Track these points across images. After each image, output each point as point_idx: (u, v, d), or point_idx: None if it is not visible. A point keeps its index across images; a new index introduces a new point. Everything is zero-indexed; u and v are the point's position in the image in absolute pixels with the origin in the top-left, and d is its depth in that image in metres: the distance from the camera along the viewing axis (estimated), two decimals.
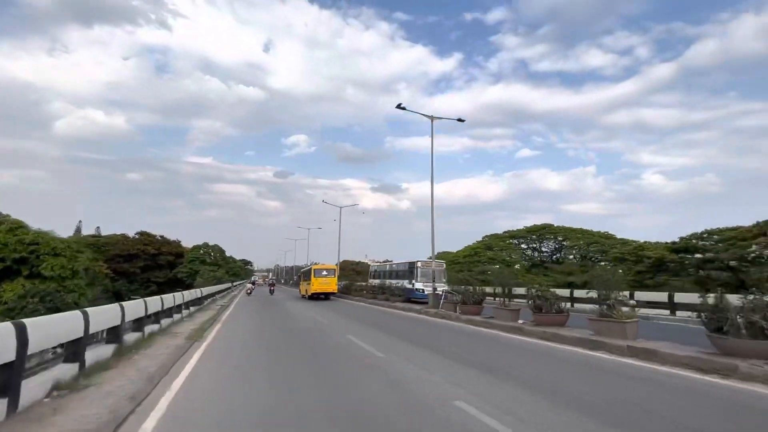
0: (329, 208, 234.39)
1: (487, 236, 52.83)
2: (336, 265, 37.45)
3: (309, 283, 32.56)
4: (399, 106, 20.90)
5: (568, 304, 14.96)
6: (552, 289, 13.79)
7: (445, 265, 27.39)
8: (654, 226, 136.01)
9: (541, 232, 47.56)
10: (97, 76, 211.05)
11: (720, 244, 32.16)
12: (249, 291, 38.49)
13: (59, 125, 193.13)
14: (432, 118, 20.73)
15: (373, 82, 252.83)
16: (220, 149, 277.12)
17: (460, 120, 22.06)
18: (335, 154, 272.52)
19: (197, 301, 19.59)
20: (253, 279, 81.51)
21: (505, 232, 51.48)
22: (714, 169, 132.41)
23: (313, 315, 18.52)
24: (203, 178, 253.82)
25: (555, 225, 47.53)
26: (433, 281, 20.00)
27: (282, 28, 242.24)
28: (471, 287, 16.38)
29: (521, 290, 17.79)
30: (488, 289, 21.32)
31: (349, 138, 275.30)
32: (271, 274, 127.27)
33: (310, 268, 33.71)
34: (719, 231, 34.23)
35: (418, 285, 25.59)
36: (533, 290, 12.82)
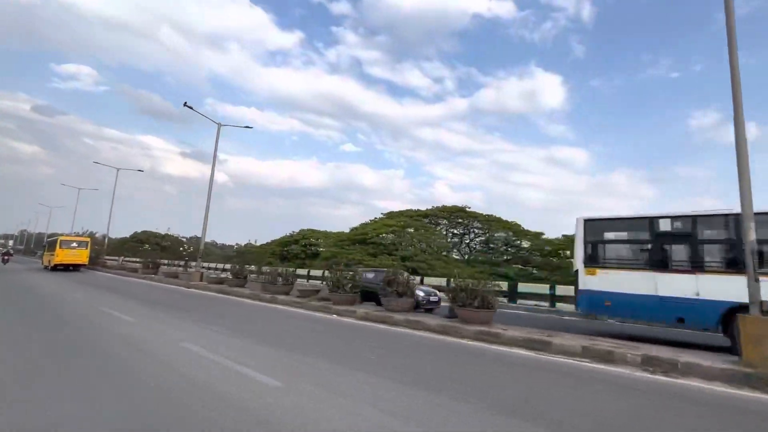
0: (118, 166, 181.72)
1: (386, 213, 40.78)
2: (89, 237, 40.21)
3: (53, 254, 31.65)
4: None
5: None
6: None
7: None
8: None
9: (457, 213, 37.78)
10: None
11: None
12: None
13: None
14: None
15: (199, 30, 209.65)
16: None
17: None
18: (136, 103, 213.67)
19: None
20: None
21: (411, 209, 39.98)
22: (480, 189, 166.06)
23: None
24: None
25: (469, 209, 38.48)
26: None
27: None
28: None
29: None
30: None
31: (157, 88, 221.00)
32: (12, 242, 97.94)
33: (57, 239, 33.36)
34: None
35: None
36: None
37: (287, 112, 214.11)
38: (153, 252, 48.75)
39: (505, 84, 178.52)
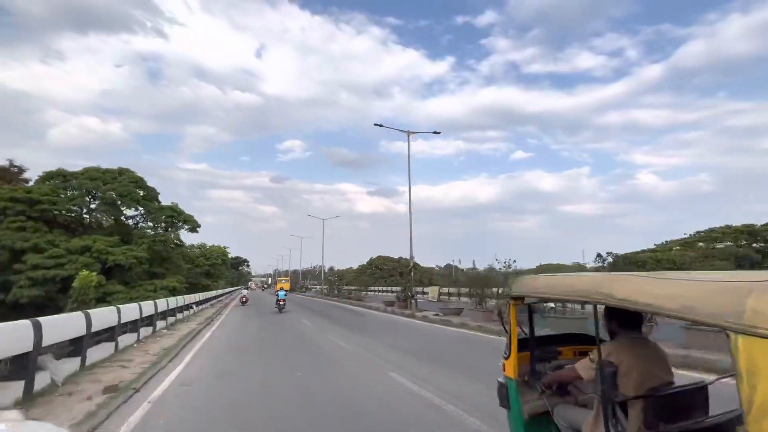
0: (327, 213, 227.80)
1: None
2: (288, 276, 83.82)
3: (276, 285, 58.35)
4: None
5: None
6: None
7: None
8: (649, 226, 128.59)
9: None
10: (90, 83, 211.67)
11: None
12: (244, 299, 34.20)
13: (54, 133, 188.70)
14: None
15: (366, 86, 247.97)
16: (215, 155, 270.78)
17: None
18: (330, 158, 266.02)
19: None
20: (248, 284, 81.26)
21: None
22: (706, 169, 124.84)
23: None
24: (198, 184, 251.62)
25: None
26: None
27: (274, 34, 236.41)
28: None
29: None
30: None
31: (343, 142, 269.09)
32: (270, 279, 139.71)
33: (277, 279, 74.89)
34: None
35: None
36: None
37: (451, 135, 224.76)
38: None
39: (722, 27, 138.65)
